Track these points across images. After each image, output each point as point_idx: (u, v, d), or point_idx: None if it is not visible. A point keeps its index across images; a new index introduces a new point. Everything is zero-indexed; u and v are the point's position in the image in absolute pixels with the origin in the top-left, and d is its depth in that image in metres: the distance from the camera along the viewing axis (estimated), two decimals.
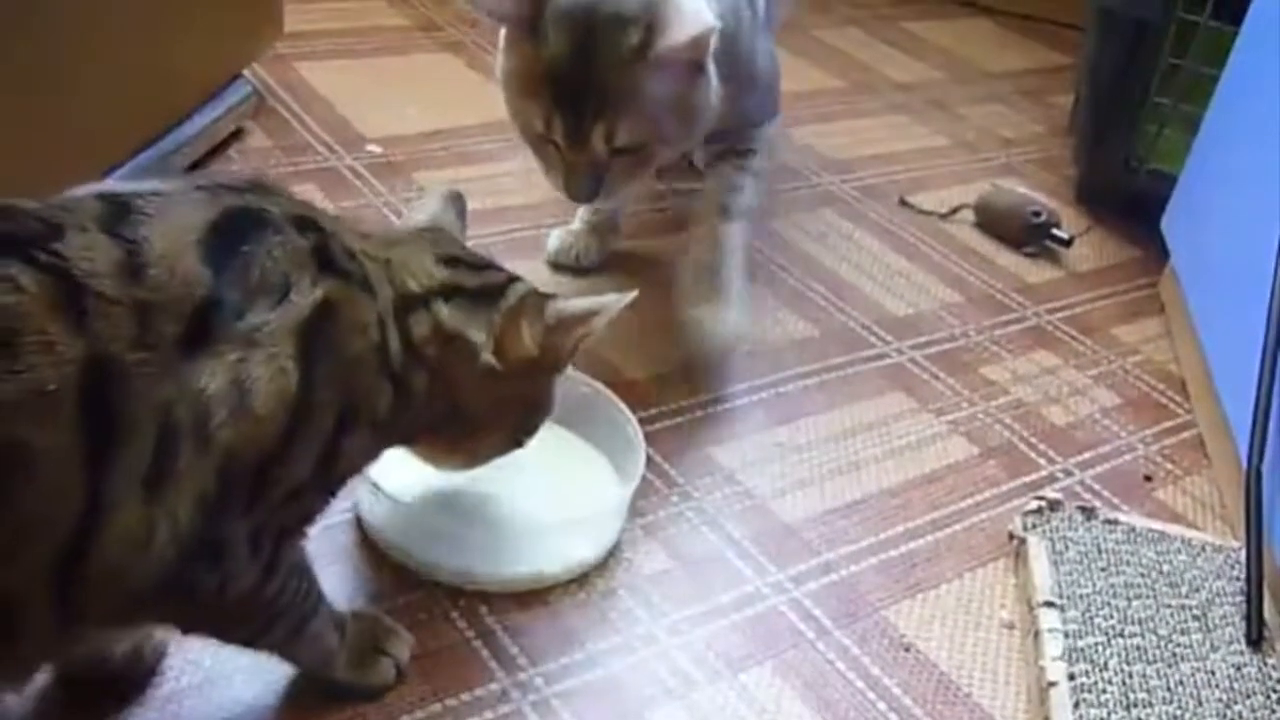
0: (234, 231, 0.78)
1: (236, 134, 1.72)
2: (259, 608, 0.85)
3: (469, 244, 1.03)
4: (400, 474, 1.08)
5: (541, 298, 0.98)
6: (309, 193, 1.63)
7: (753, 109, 1.48)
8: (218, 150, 1.67)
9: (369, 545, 1.13)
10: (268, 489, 0.79)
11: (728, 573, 1.17)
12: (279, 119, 1.81)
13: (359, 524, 1.14)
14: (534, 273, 1.53)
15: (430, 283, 0.92)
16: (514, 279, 0.99)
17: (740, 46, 1.39)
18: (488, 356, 0.93)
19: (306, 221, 0.83)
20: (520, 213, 1.66)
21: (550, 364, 0.99)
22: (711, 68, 1.25)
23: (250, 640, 0.90)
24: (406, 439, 0.99)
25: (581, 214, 1.56)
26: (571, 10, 1.20)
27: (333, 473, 0.86)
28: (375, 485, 1.10)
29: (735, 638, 1.11)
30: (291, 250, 0.80)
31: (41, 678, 0.91)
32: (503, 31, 1.27)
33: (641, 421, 1.25)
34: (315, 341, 0.79)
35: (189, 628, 0.86)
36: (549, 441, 1.14)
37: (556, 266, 1.38)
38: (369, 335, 0.85)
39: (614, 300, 0.98)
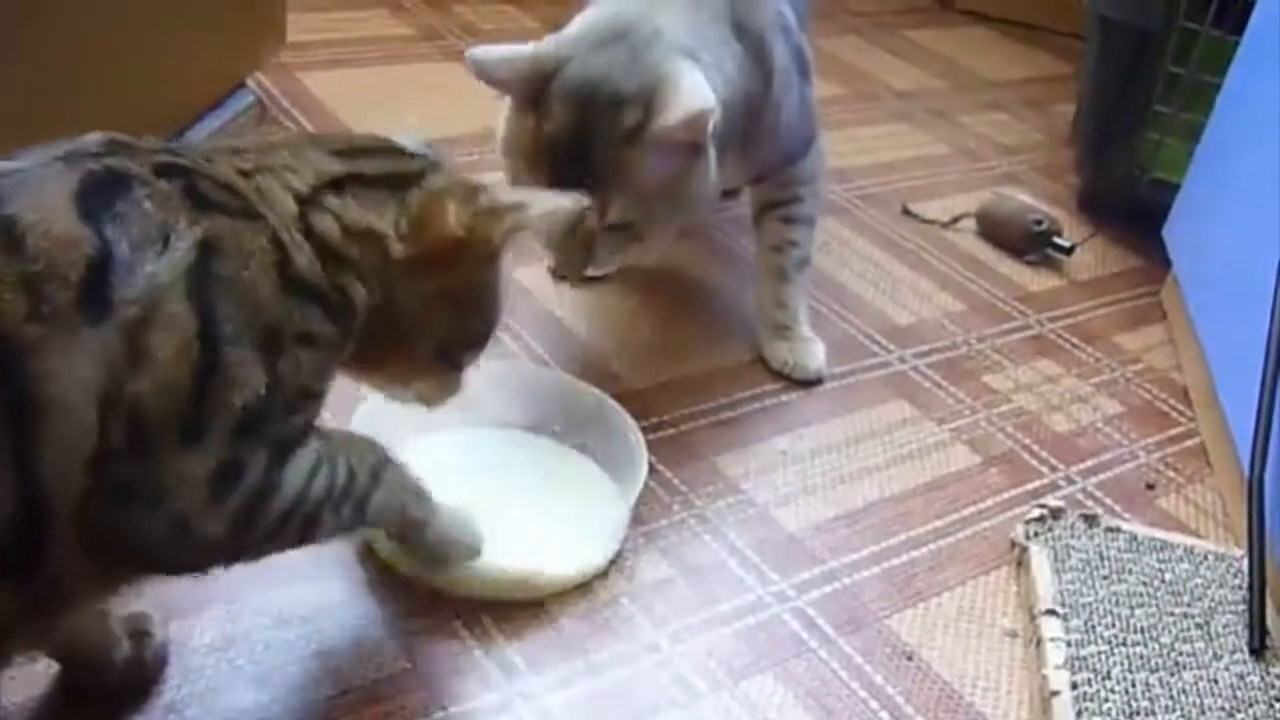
0: (101, 193, 0.76)
1: None
2: (280, 520, 0.83)
3: None
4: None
5: (472, 184, 0.94)
6: None
7: (781, 152, 1.46)
8: None
9: (370, 552, 1.13)
10: (206, 423, 0.78)
11: (730, 581, 1.17)
12: (281, 128, 1.81)
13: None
14: (536, 281, 1.54)
15: (319, 179, 0.87)
16: (436, 163, 0.95)
17: (766, 106, 1.37)
18: (397, 245, 0.89)
19: (169, 167, 0.81)
20: None
21: (481, 253, 0.94)
22: (711, 149, 1.23)
23: (300, 543, 0.87)
24: (358, 359, 0.93)
25: None
26: (573, 87, 1.18)
27: (280, 395, 0.82)
28: None
29: (738, 646, 1.11)
30: (161, 198, 0.78)
31: (43, 686, 0.91)
32: (506, 100, 1.25)
33: (644, 430, 1.25)
34: (205, 280, 0.77)
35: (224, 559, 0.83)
36: (550, 456, 1.19)
37: (559, 276, 1.38)
38: (261, 259, 0.81)
39: (550, 196, 0.98)
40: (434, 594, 1.09)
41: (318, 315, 0.85)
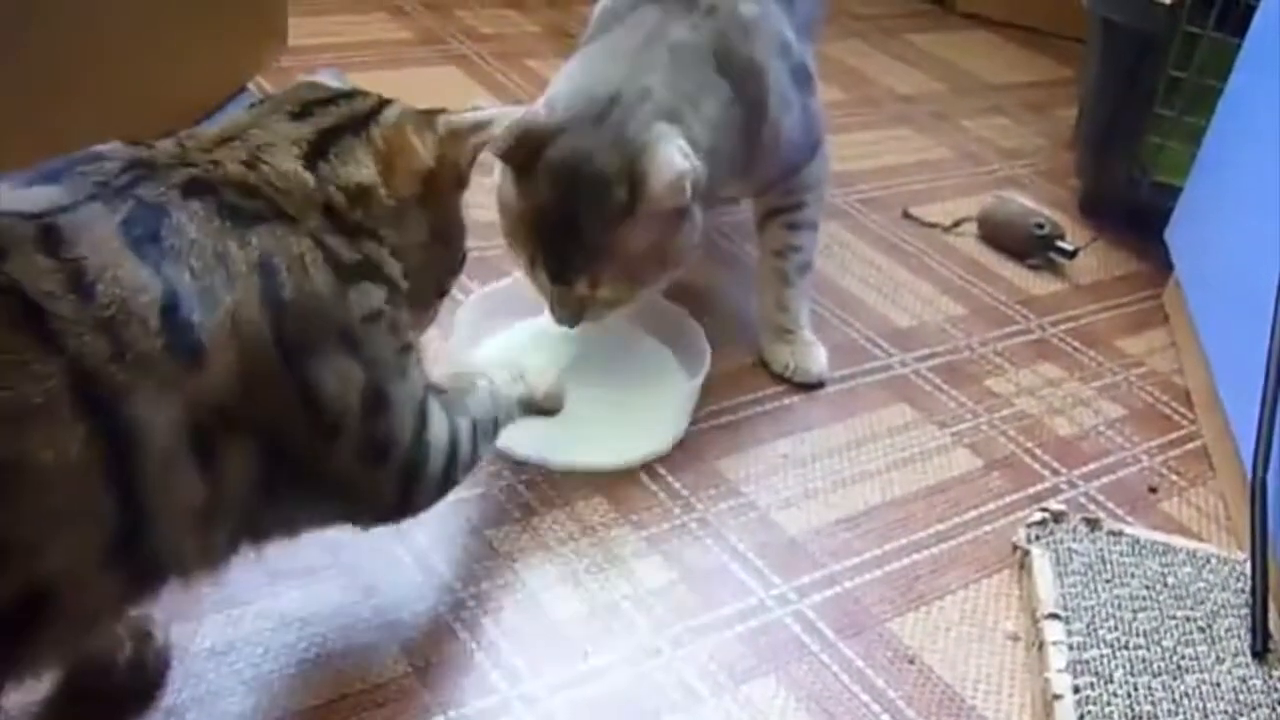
0: (146, 231, 0.77)
1: None
2: (446, 472, 0.96)
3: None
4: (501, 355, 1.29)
5: (425, 112, 0.97)
6: None
7: (785, 164, 1.46)
8: None
9: (377, 560, 1.13)
10: (336, 421, 0.85)
11: (731, 585, 1.17)
12: None
13: None
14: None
15: (302, 149, 0.88)
16: (387, 101, 0.97)
17: (763, 128, 1.37)
18: (383, 192, 0.91)
19: (192, 185, 0.81)
20: None
21: (450, 179, 0.97)
22: (695, 208, 1.25)
23: (469, 465, 1.01)
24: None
25: None
26: (558, 166, 1.20)
27: (382, 370, 0.88)
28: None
29: (739, 650, 1.10)
30: (202, 223, 0.79)
31: (44, 688, 0.91)
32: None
33: None
34: (270, 300, 0.80)
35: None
36: (624, 344, 1.42)
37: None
38: (312, 258, 0.83)
39: (504, 110, 1.00)
40: (433, 597, 1.09)
41: (369, 289, 0.87)
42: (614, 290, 1.25)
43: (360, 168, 0.90)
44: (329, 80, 0.99)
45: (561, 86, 1.27)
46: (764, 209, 1.50)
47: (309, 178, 0.86)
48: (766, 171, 1.43)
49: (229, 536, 0.83)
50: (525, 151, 1.21)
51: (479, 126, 0.97)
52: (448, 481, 0.98)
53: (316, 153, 0.88)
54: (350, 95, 0.95)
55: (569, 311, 1.27)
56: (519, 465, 1.27)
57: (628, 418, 1.34)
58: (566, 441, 1.27)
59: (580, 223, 1.20)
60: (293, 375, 0.81)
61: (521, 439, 1.25)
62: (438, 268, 1.00)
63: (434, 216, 0.96)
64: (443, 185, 0.96)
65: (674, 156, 1.19)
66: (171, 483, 0.75)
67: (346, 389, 0.85)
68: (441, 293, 1.03)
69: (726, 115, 1.31)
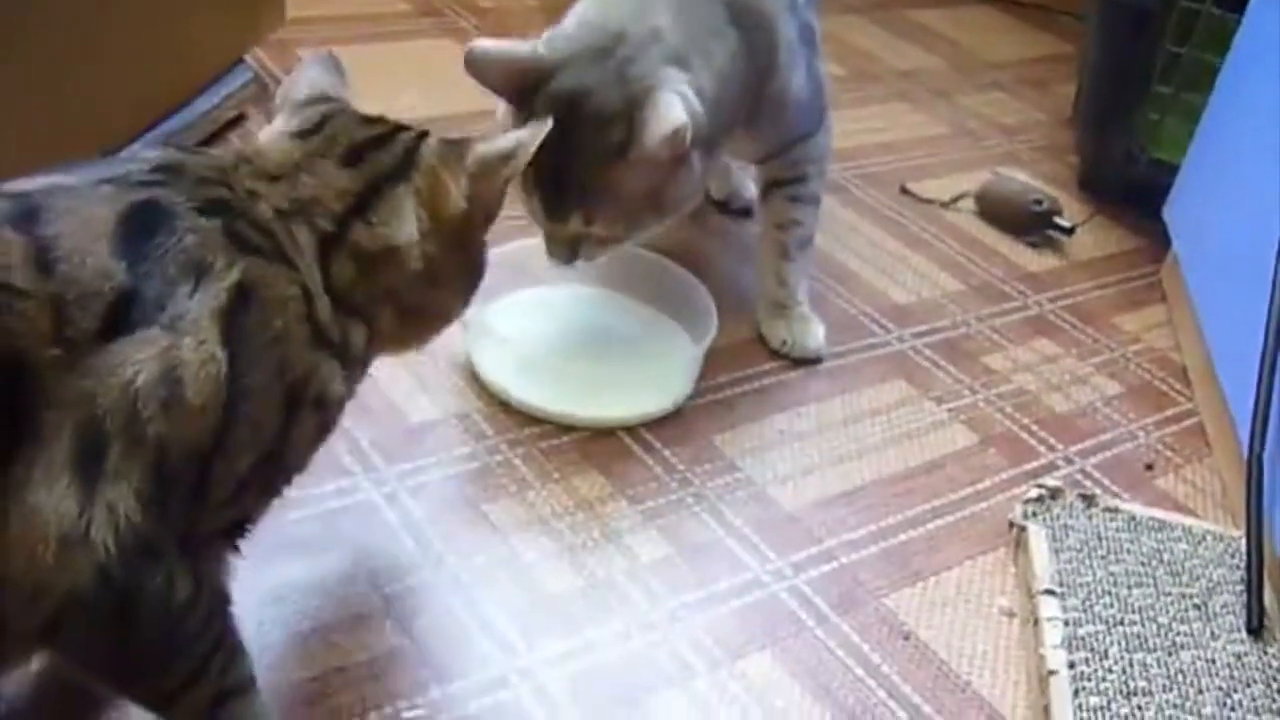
0: (143, 225, 0.76)
1: (237, 119, 1.72)
2: (185, 636, 0.78)
3: None
4: (508, 317, 1.31)
5: (456, 144, 0.94)
6: None
7: (792, 127, 1.45)
8: (219, 134, 1.67)
9: (373, 533, 1.13)
10: (211, 484, 0.77)
11: (727, 560, 1.17)
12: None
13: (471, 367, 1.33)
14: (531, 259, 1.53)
15: (343, 206, 0.87)
16: (422, 134, 0.95)
17: (772, 81, 1.37)
18: (419, 241, 0.90)
19: (215, 204, 0.80)
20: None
21: (481, 214, 0.95)
22: (694, 157, 1.24)
23: (170, 696, 0.81)
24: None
25: None
26: (557, 101, 1.18)
27: (279, 467, 0.84)
28: (485, 324, 1.30)
29: (734, 624, 1.11)
30: (202, 236, 0.77)
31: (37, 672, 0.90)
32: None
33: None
34: (238, 325, 0.77)
35: (109, 657, 0.77)
36: (631, 310, 1.48)
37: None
38: (292, 309, 0.81)
39: (531, 133, 0.95)
40: (429, 574, 1.10)
41: (336, 372, 0.85)
42: (607, 229, 1.25)
43: (403, 224, 0.89)
44: (321, 70, 0.99)
45: (568, 22, 1.26)
46: (767, 180, 1.49)
47: (316, 252, 0.85)
48: (776, 129, 1.43)
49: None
50: (525, 86, 1.20)
51: (508, 156, 0.93)
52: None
53: (357, 210, 0.87)
54: (393, 133, 0.93)
55: (562, 248, 1.27)
56: (514, 439, 1.27)
57: (634, 378, 1.38)
58: (573, 397, 1.31)
59: (575, 160, 1.19)
60: (219, 402, 0.75)
61: (531, 394, 1.31)
62: (467, 289, 1.00)
63: (460, 257, 0.95)
64: (473, 222, 0.95)
65: (675, 107, 1.17)
66: (51, 483, 0.70)
67: (247, 453, 0.79)
68: (437, 333, 1.01)
69: (734, 66, 1.29)
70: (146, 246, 0.75)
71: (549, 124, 0.98)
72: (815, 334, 1.48)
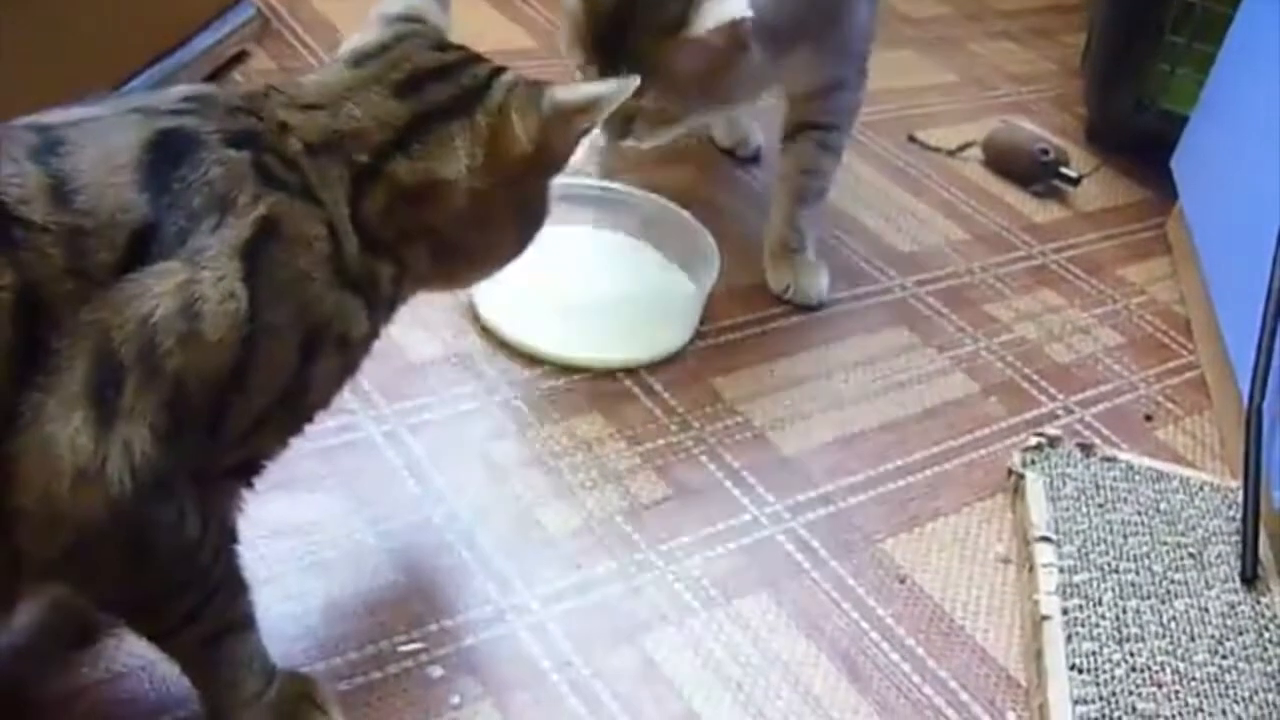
0: (168, 154, 0.74)
1: (240, 56, 1.71)
2: (194, 571, 0.78)
3: None
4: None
5: (534, 86, 0.88)
6: None
7: (839, 75, 1.45)
8: (221, 71, 1.66)
9: (372, 470, 1.13)
10: (227, 422, 0.76)
11: (725, 502, 1.18)
12: (283, 42, 1.79)
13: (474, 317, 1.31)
14: None
15: (384, 137, 0.83)
16: (498, 70, 0.90)
17: (842, 6, 1.37)
18: (463, 187, 0.85)
19: (244, 136, 0.78)
20: None
21: (548, 162, 0.91)
22: (754, 47, 1.23)
23: (171, 623, 0.81)
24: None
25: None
26: None
27: (299, 407, 0.82)
28: None
29: (731, 566, 1.11)
30: (228, 168, 0.76)
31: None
32: None
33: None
34: (260, 261, 0.75)
35: (119, 589, 0.78)
36: (633, 253, 1.47)
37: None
38: (316, 248, 0.79)
39: (615, 86, 0.89)
40: (432, 508, 1.10)
41: (360, 311, 0.82)
42: (659, 103, 1.24)
43: (450, 159, 0.85)
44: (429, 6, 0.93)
45: None
46: (799, 121, 1.48)
47: (349, 189, 0.82)
48: (830, 59, 1.42)
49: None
50: None
51: (587, 107, 0.88)
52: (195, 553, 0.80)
53: (399, 143, 0.83)
54: (464, 64, 0.89)
55: (614, 125, 1.28)
56: (514, 380, 1.27)
57: (634, 321, 1.38)
58: (573, 340, 1.31)
59: (633, 27, 1.20)
60: (239, 339, 0.74)
61: (530, 336, 1.31)
62: (497, 251, 0.95)
63: (516, 200, 0.91)
64: (538, 169, 0.90)
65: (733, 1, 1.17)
66: (67, 415, 0.69)
67: (260, 394, 0.77)
68: (490, 273, 0.97)
69: None
70: (170, 177, 0.73)
71: (635, 80, 0.92)
72: (819, 281, 1.48)
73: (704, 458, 1.22)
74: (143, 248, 0.71)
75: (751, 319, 1.44)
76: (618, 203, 1.48)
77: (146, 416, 0.71)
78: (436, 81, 0.87)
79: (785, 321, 1.45)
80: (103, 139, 0.74)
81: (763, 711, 0.99)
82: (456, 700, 0.95)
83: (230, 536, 0.83)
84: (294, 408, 0.82)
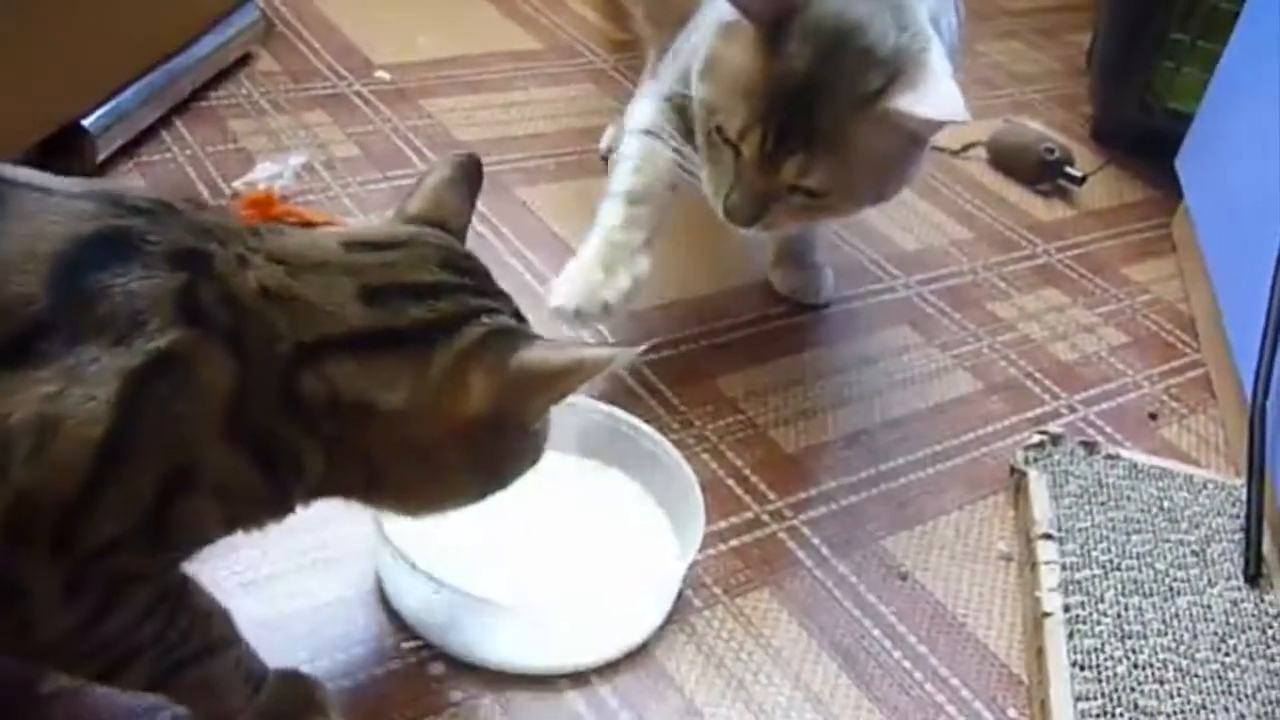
0: (99, 255, 0.70)
1: (244, 59, 1.71)
2: (98, 647, 0.75)
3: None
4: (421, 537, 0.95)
5: (511, 338, 0.79)
6: (318, 119, 1.63)
7: None
8: (225, 75, 1.67)
9: None
10: (75, 539, 0.70)
11: (728, 499, 1.18)
12: (287, 44, 1.80)
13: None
14: (535, 197, 1.53)
15: (338, 330, 0.75)
16: (490, 310, 0.80)
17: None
18: (404, 418, 0.76)
19: (191, 256, 0.73)
20: (526, 142, 1.66)
21: (507, 425, 0.80)
22: (929, 145, 1.16)
23: (101, 678, 0.79)
24: (328, 493, 0.82)
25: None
26: (822, 28, 1.07)
27: (162, 538, 0.74)
28: (396, 550, 0.95)
29: (733, 563, 1.11)
30: (153, 289, 0.70)
31: None
32: (728, 18, 1.12)
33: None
34: (141, 391, 0.68)
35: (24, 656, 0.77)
36: (599, 488, 1.13)
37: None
38: (210, 394, 0.71)
39: (606, 354, 0.82)
40: None
41: (254, 475, 0.75)
42: (821, 183, 1.10)
43: (383, 391, 0.75)
44: (449, 184, 0.86)
45: None
46: None
47: (287, 352, 0.74)
48: None
49: None
50: (780, 7, 1.07)
51: (564, 373, 0.78)
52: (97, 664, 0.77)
53: (343, 347, 0.75)
54: (454, 290, 0.80)
55: (753, 199, 1.13)
56: None
57: (590, 614, 1.02)
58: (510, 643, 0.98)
59: (822, 94, 1.07)
60: (91, 463, 0.68)
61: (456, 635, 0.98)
62: (453, 488, 0.83)
63: (471, 452, 0.80)
64: (495, 430, 0.79)
65: (955, 96, 1.06)
66: None
67: (113, 520, 0.70)
68: (454, 507, 0.85)
69: (951, 40, 1.19)
70: (89, 279, 0.69)
71: (635, 351, 0.84)
72: (824, 281, 1.48)
73: (706, 455, 1.22)
74: (32, 343, 0.67)
75: (755, 317, 1.44)
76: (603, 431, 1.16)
77: None
78: (412, 300, 0.78)
79: (789, 320, 1.45)
80: (39, 219, 0.70)
81: (764, 708, 0.99)
82: (458, 697, 0.95)
83: (159, 594, 0.77)
84: (157, 541, 0.74)
